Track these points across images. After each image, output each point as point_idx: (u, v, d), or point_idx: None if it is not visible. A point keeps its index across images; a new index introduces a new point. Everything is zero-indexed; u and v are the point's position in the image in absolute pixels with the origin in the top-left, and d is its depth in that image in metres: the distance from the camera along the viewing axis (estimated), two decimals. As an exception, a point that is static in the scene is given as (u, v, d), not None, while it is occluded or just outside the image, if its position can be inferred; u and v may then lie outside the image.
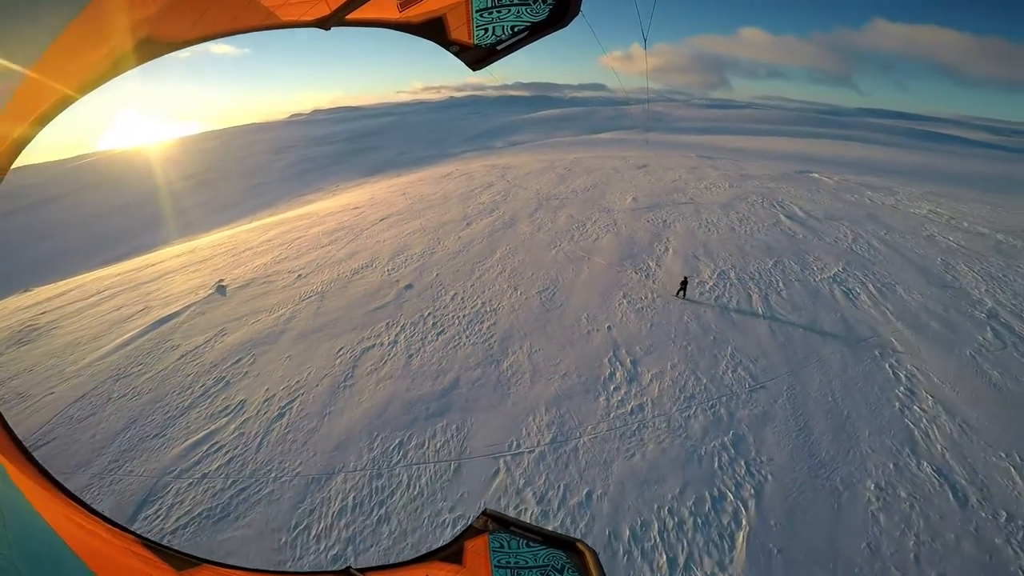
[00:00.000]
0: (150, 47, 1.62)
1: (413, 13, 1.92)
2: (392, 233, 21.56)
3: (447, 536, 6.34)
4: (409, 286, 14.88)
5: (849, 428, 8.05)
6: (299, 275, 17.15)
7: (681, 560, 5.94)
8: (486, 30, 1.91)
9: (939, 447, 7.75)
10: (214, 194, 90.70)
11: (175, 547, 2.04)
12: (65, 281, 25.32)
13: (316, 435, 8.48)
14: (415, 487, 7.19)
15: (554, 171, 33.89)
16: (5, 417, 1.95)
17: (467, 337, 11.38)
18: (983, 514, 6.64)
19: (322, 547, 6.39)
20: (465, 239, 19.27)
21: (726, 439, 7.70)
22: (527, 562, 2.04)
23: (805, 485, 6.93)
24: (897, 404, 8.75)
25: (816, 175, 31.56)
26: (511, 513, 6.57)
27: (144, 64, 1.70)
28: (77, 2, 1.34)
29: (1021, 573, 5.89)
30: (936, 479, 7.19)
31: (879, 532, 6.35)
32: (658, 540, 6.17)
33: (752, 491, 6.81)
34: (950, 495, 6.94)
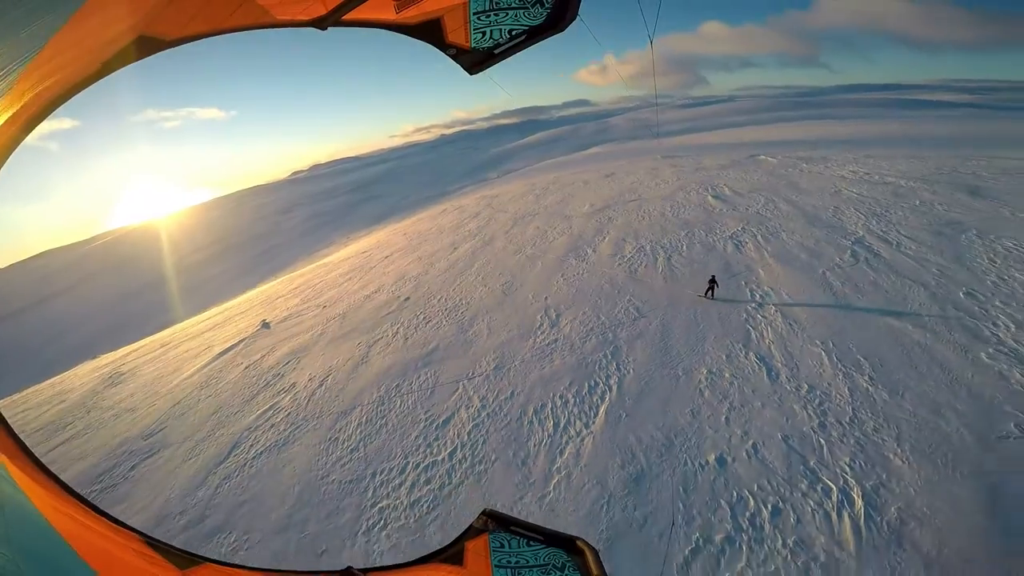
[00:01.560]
0: (145, 44, 1.65)
1: (410, 14, 1.93)
2: (395, 265, 26.38)
3: (421, 439, 10.53)
4: (407, 298, 19.43)
5: (700, 336, 11.95)
6: (324, 306, 21.95)
7: (562, 423, 9.90)
8: (483, 33, 1.93)
9: (767, 342, 11.35)
10: (231, 263, 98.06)
11: (180, 546, 2.14)
12: (127, 347, 30.55)
13: (344, 391, 12.91)
14: (404, 406, 11.51)
15: (533, 193, 38.68)
16: (5, 416, 1.99)
17: (446, 321, 15.80)
18: (788, 387, 9.51)
19: (346, 446, 10.66)
20: (452, 260, 23.91)
21: (608, 351, 11.79)
22: (528, 561, 2.11)
23: (655, 374, 10.83)
24: (744, 315, 12.60)
25: (763, 157, 35.55)
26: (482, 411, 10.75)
27: (139, 60, 1.72)
28: (70, 4, 1.36)
29: (813, 434, 8.21)
30: (757, 364, 10.61)
31: (702, 402, 9.69)
32: (550, 413, 10.20)
33: (616, 381, 10.77)
34: (765, 375, 10.20)
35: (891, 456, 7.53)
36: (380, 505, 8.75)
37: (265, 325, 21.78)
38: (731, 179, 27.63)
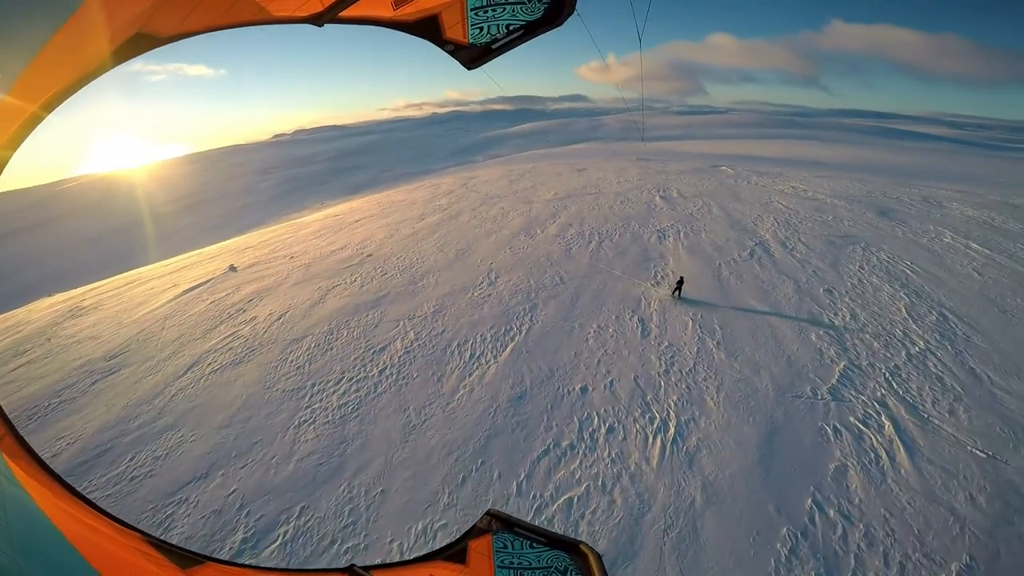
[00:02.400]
0: (143, 41, 1.69)
1: (407, 11, 1.96)
2: (364, 228, 28.13)
3: (358, 361, 12.62)
4: (369, 255, 21.35)
5: (601, 302, 14.37)
6: (291, 256, 23.64)
7: (476, 355, 12.16)
8: (481, 29, 1.95)
9: (651, 311, 13.92)
10: (201, 216, 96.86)
11: (181, 545, 2.17)
12: (84, 287, 31.18)
13: (298, 324, 14.87)
14: (350, 336, 13.59)
15: (508, 178, 40.73)
16: (7, 414, 1.97)
17: (400, 275, 17.87)
18: (653, 343, 12.07)
19: (293, 365, 12.66)
20: (417, 228, 25.85)
21: (527, 306, 14.13)
22: (530, 563, 2.14)
23: (557, 326, 13.20)
24: (643, 290, 15.10)
25: (724, 168, 38.51)
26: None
27: (137, 57, 1.76)
28: (71, 1, 1.39)
29: (658, 377, 10.46)
30: (636, 325, 13.01)
31: (584, 348, 11.93)
32: (468, 347, 12.46)
33: (527, 328, 13.10)
34: (639, 333, 12.76)
35: (708, 400, 10.05)
36: (313, 407, 10.85)
37: (232, 269, 23.31)
38: (683, 183, 30.33)
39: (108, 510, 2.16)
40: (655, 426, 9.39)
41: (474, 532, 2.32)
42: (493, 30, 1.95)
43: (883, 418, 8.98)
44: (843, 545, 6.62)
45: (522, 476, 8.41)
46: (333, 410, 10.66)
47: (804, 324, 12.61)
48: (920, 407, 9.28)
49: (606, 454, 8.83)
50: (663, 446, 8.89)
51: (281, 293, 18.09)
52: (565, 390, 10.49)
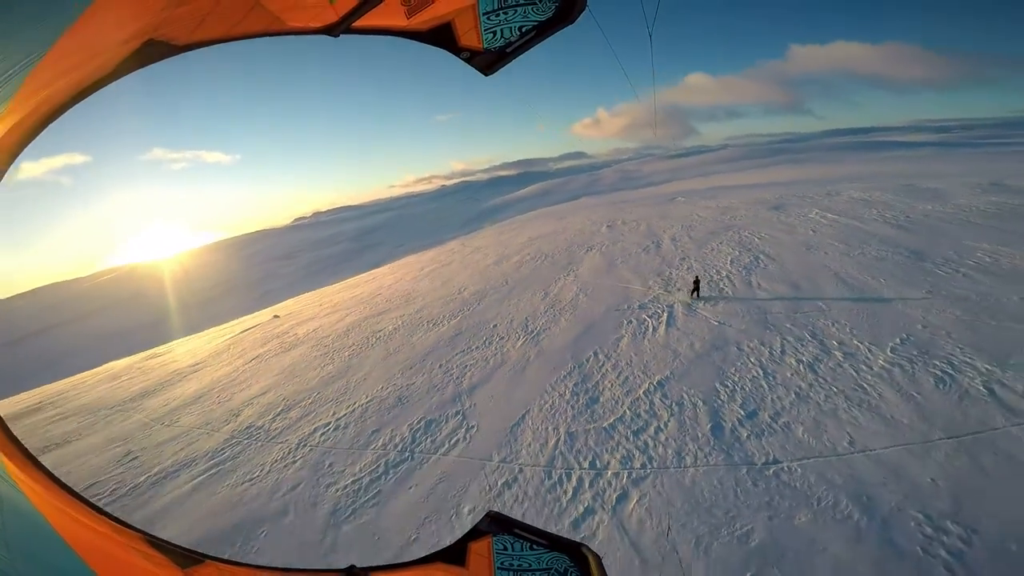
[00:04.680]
0: (154, 48, 1.72)
1: (421, 19, 2.00)
2: (377, 282, 36.53)
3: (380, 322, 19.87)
4: (379, 293, 29.21)
5: (527, 288, 21.42)
6: (320, 303, 31.89)
7: (437, 320, 19.33)
8: (494, 33, 2.01)
9: (558, 287, 20.78)
10: (232, 302, 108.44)
11: (181, 544, 2.21)
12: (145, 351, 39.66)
13: (327, 335, 22.39)
14: (361, 331, 20.95)
15: (501, 235, 49.34)
16: (2, 416, 2.05)
17: (398, 299, 25.47)
18: (551, 297, 19.52)
19: (328, 345, 19.95)
20: (416, 275, 33.95)
21: (479, 298, 21.38)
22: (530, 565, 2.20)
23: (499, 300, 20.32)
24: (561, 279, 22.07)
25: (680, 200, 46.10)
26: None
27: (148, 66, 1.77)
28: (80, 2, 1.40)
29: (544, 312, 18.87)
30: (543, 295, 20.20)
31: (518, 306, 19.49)
32: (430, 309, 19.70)
33: (476, 308, 20.32)
34: (542, 296, 19.85)
35: (562, 320, 16.71)
36: (331, 364, 17.93)
37: (276, 316, 31.40)
38: (630, 215, 37.91)
39: (107, 510, 2.19)
40: (528, 334, 15.88)
41: (474, 534, 2.37)
42: (507, 33, 2.03)
43: (664, 310, 15.46)
44: (598, 369, 12.74)
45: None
46: (351, 349, 17.73)
47: (651, 278, 19.24)
48: (696, 305, 15.67)
49: (507, 345, 15.48)
50: (527, 342, 15.32)
51: (315, 320, 25.87)
52: (503, 322, 17.42)
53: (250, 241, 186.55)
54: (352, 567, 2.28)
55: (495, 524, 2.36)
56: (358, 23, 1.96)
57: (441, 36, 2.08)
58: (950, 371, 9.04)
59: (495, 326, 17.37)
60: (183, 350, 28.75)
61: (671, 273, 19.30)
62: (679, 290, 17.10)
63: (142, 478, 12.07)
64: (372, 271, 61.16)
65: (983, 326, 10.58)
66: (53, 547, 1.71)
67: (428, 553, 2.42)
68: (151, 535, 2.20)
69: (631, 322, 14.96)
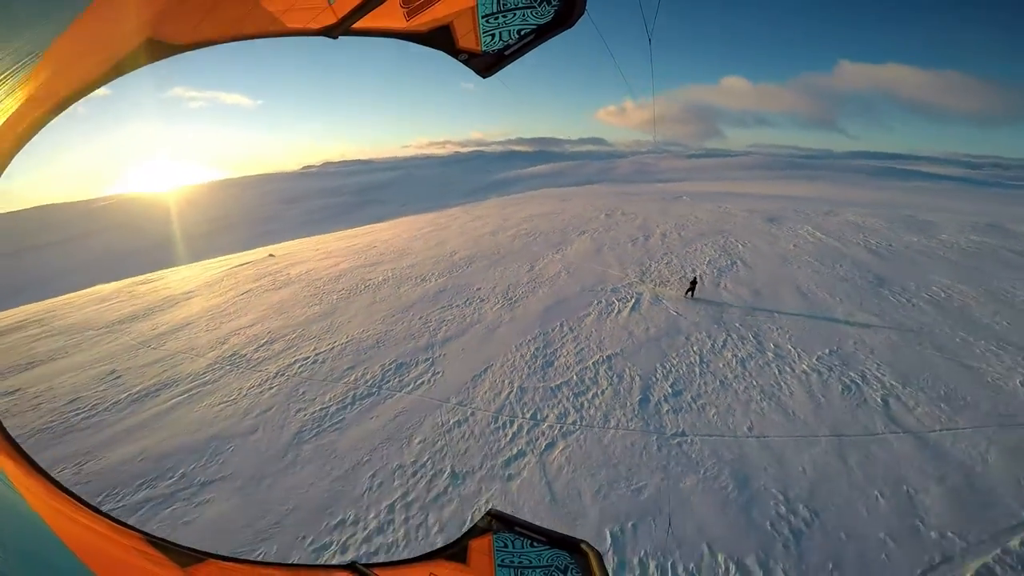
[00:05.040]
0: (153, 48, 1.73)
1: (421, 21, 2.03)
2: (373, 236, 37.28)
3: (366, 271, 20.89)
4: (374, 247, 30.08)
5: (521, 260, 22.39)
6: (316, 248, 32.76)
7: (424, 277, 20.36)
8: (493, 36, 2.05)
9: (543, 263, 21.78)
10: (230, 238, 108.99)
11: (181, 543, 2.22)
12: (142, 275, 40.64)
13: (319, 277, 23.39)
14: (352, 277, 21.96)
15: (501, 208, 49.91)
16: (0, 418, 2.04)
17: (391, 254, 26.41)
18: (537, 271, 20.62)
19: (319, 287, 21.00)
20: (414, 235, 34.75)
21: (470, 263, 22.37)
22: (531, 562, 2.24)
23: (490, 267, 21.30)
24: (547, 256, 23.01)
25: (684, 199, 46.64)
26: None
27: (148, 65, 1.78)
28: (81, 1, 1.41)
29: (528, 283, 19.86)
30: (529, 266, 21.23)
31: (508, 272, 20.47)
32: (420, 266, 20.72)
33: (466, 269, 21.30)
34: (527, 268, 21.00)
35: (540, 291, 17.71)
36: (320, 305, 19.00)
37: (271, 256, 32.32)
38: (631, 207, 38.61)
39: (105, 511, 2.18)
40: (507, 300, 16.99)
41: (475, 531, 2.40)
42: (505, 36, 2.05)
43: (633, 297, 16.50)
44: (560, 338, 13.82)
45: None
46: (339, 293, 18.80)
47: (631, 267, 20.25)
48: (642, 295, 16.64)
49: (485, 307, 16.58)
50: (504, 307, 16.42)
51: (309, 263, 26.83)
52: (481, 289, 18.47)
53: (257, 183, 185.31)
54: (354, 563, 2.31)
55: (495, 522, 2.38)
56: (357, 25, 2.01)
57: (440, 38, 2.12)
58: (858, 382, 10.19)
59: (478, 289, 18.44)
60: (176, 278, 29.69)
61: (651, 265, 20.27)
62: (652, 282, 18.12)
63: (123, 395, 12.45)
64: (372, 225, 61.78)
65: (906, 350, 11.70)
66: (51, 548, 1.71)
67: (429, 551, 2.50)
68: (151, 535, 2.22)
69: (600, 302, 16.05)
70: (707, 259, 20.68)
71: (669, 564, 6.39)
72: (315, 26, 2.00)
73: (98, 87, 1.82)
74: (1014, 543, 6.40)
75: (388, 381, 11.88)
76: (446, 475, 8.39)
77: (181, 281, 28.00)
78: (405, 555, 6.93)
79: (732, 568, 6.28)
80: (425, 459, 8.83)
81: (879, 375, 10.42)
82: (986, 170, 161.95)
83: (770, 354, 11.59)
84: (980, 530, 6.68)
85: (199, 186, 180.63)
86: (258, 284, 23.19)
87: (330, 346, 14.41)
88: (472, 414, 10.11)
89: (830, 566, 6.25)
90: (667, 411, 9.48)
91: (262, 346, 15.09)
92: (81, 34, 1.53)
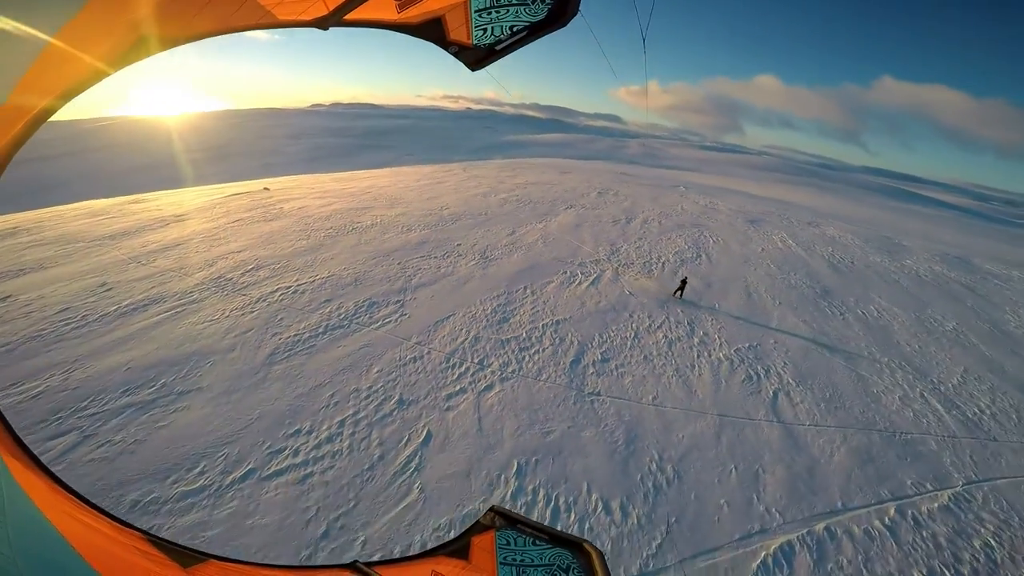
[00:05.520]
0: (149, 43, 1.77)
1: (412, 14, 2.05)
2: (372, 181, 37.85)
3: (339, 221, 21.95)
4: (368, 192, 30.85)
5: (505, 223, 23.52)
6: (311, 188, 33.38)
7: (407, 227, 21.49)
8: (485, 30, 2.07)
9: (526, 228, 23.00)
10: (227, 166, 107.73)
11: (182, 543, 2.24)
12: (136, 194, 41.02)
13: (313, 212, 24.36)
14: (343, 217, 23.00)
15: (500, 171, 50.32)
16: (5, 415, 2.05)
17: (383, 200, 27.30)
18: (519, 240, 21.84)
19: (312, 221, 22.05)
20: (410, 186, 35.42)
21: (452, 220, 23.45)
22: (533, 560, 2.24)
23: (477, 226, 22.44)
24: (525, 226, 24.16)
25: (681, 189, 47.50)
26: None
27: (138, 62, 1.82)
28: (73, 3, 1.44)
29: (505, 245, 21.09)
30: (511, 230, 22.43)
31: (491, 233, 21.64)
32: (408, 217, 21.85)
33: (448, 222, 22.44)
34: (508, 232, 22.23)
35: (514, 256, 19.01)
36: (316, 235, 20.11)
37: (266, 189, 32.98)
38: (626, 189, 39.55)
39: (108, 510, 2.23)
40: (482, 259, 18.27)
41: (477, 528, 2.43)
42: (497, 31, 2.07)
43: (596, 273, 17.89)
44: (521, 299, 15.22)
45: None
46: (327, 232, 19.92)
47: (603, 246, 21.56)
48: (604, 272, 18.02)
49: (461, 263, 17.83)
50: (477, 264, 17.71)
51: (303, 200, 27.69)
52: (462, 246, 19.70)
53: (262, 116, 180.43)
54: (356, 562, 2.32)
55: (498, 519, 2.40)
56: (348, 16, 2.02)
57: (431, 30, 2.14)
58: (761, 375, 11.83)
59: (458, 245, 19.70)
60: (168, 201, 30.36)
61: (622, 247, 21.62)
62: (617, 262, 19.53)
63: (112, 308, 12.90)
64: (371, 171, 61.86)
65: (816, 355, 13.34)
66: (56, 548, 1.73)
67: (431, 547, 2.53)
68: (152, 534, 2.24)
69: (566, 273, 17.48)
70: (676, 249, 22.06)
71: (554, 495, 7.99)
72: (306, 17, 2.05)
73: (95, 83, 1.85)
74: (819, 527, 8.02)
75: (359, 317, 13.25)
76: (394, 401, 9.88)
77: (173, 204, 28.71)
78: (347, 464, 8.40)
79: (600, 506, 7.88)
80: (379, 386, 10.30)
81: (781, 372, 12.04)
82: (994, 204, 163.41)
83: (696, 340, 13.15)
84: (799, 511, 8.31)
85: (202, 114, 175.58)
86: (250, 214, 24.11)
87: (311, 279, 15.66)
88: (428, 353, 11.58)
89: (673, 519, 7.83)
90: (591, 373, 11.04)
91: (248, 272, 16.27)
92: (80, 31, 1.56)
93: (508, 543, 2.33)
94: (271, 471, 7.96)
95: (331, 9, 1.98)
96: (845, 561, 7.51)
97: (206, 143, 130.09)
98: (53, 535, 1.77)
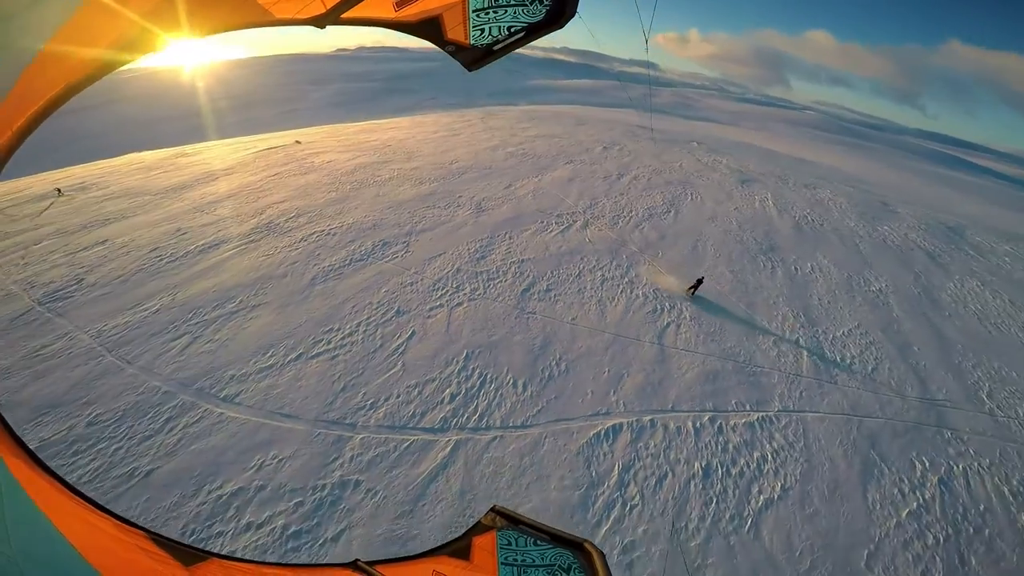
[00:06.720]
0: (145, 42, 1.81)
1: (409, 13, 2.10)
2: (393, 132, 41.62)
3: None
4: (388, 145, 34.83)
5: (495, 174, 27.34)
6: (338, 139, 37.51)
7: (399, 181, 25.64)
8: (482, 30, 2.12)
9: (530, 188, 26.75)
10: (252, 114, 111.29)
11: (184, 541, 2.37)
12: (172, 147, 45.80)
13: (336, 163, 28.71)
14: (366, 172, 27.31)
15: (517, 119, 52.97)
16: (4, 415, 2.12)
17: (399, 152, 31.35)
18: (511, 195, 25.70)
19: (333, 178, 26.41)
20: (427, 136, 39.12)
21: (454, 168, 27.45)
22: (534, 560, 2.31)
23: (475, 176, 26.40)
24: (528, 176, 27.88)
25: (693, 144, 49.36)
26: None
27: (134, 63, 1.89)
28: (69, 2, 1.49)
29: (500, 197, 24.95)
30: (507, 184, 26.16)
31: (488, 185, 25.48)
32: (422, 171, 25.99)
33: (454, 170, 26.47)
34: (503, 185, 26.00)
35: (503, 207, 23.01)
36: (350, 186, 24.52)
37: (297, 142, 37.32)
38: (634, 145, 42.12)
39: (111, 508, 2.27)
40: (476, 209, 22.38)
41: (479, 528, 2.46)
42: (494, 32, 2.12)
43: (568, 223, 21.77)
44: (499, 243, 19.37)
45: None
46: (352, 184, 24.33)
47: (585, 199, 25.28)
48: (575, 222, 21.87)
49: (458, 212, 22.03)
50: (472, 213, 21.83)
51: (330, 154, 32.03)
52: (452, 211, 23.85)
53: (285, 62, 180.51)
54: (356, 561, 2.40)
55: (500, 519, 2.47)
56: (346, 15, 2.09)
57: (428, 29, 2.22)
58: (665, 309, 15.89)
59: (459, 196, 23.88)
60: (211, 154, 34.92)
61: (602, 202, 25.38)
62: (590, 214, 23.27)
63: (192, 247, 16.68)
64: (392, 119, 65.12)
65: (725, 298, 17.22)
66: (56, 547, 1.77)
67: (432, 547, 2.62)
68: (154, 533, 2.30)
69: (542, 223, 21.61)
70: (647, 205, 25.63)
71: (486, 373, 12.21)
72: (303, 16, 2.11)
73: (92, 83, 1.90)
74: (646, 419, 11.02)
75: (375, 253, 17.77)
76: (394, 311, 14.48)
77: (217, 158, 33.37)
78: (360, 349, 13.03)
79: (511, 382, 11.93)
80: (384, 301, 14.91)
81: (683, 308, 16.05)
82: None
83: (627, 280, 17.23)
84: (637, 406, 11.24)
85: (225, 62, 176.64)
86: (286, 168, 28.61)
87: (340, 224, 20.18)
88: (420, 280, 16.12)
89: (553, 397, 11.40)
90: (534, 298, 15.42)
91: (290, 219, 20.86)
92: (78, 29, 1.63)
93: (509, 543, 2.42)
94: (314, 353, 12.48)
95: (328, 8, 2.07)
96: (653, 444, 10.42)
97: (230, 92, 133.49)
98: (54, 534, 1.83)
